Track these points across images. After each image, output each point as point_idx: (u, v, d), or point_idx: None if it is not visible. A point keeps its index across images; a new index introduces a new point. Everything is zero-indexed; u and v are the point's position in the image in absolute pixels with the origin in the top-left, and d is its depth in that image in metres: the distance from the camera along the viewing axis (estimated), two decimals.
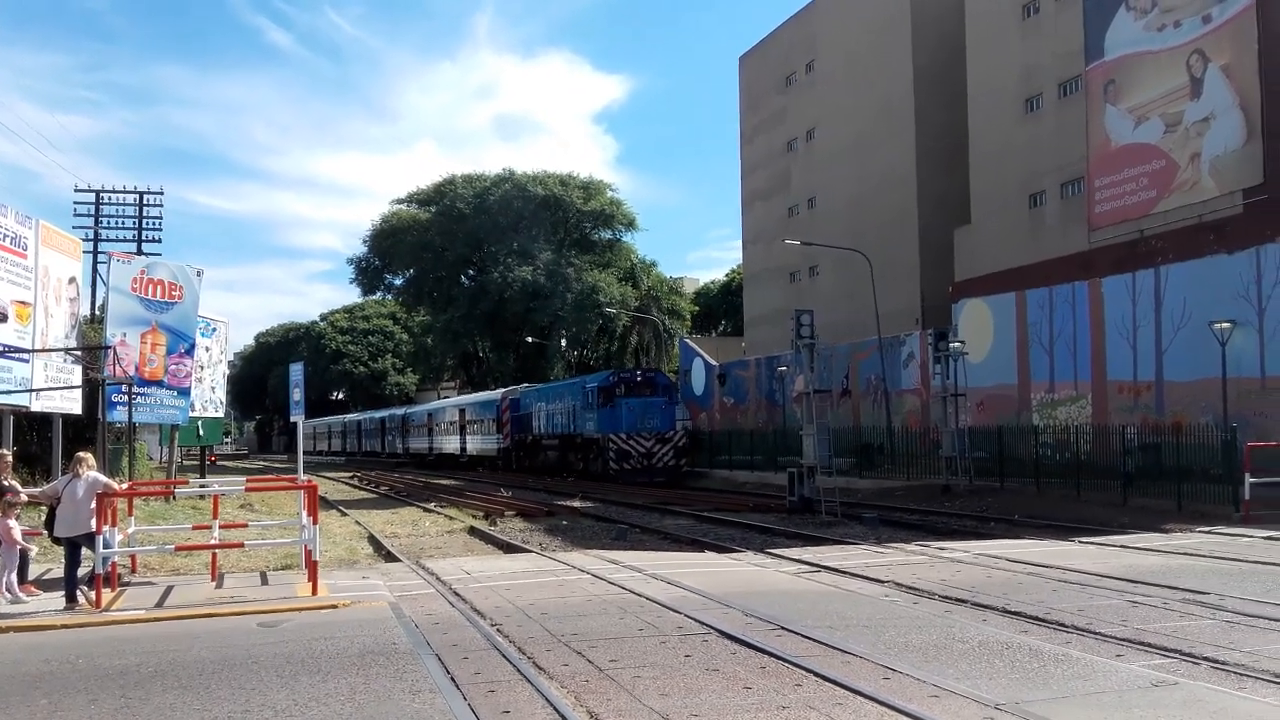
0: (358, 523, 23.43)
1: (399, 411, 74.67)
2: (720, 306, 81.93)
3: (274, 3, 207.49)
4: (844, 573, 12.92)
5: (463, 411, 57.75)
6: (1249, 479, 18.63)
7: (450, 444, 59.62)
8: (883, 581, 12.08)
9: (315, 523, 11.96)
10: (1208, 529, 17.47)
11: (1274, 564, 13.00)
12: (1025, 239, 35.89)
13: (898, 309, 41.69)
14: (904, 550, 15.62)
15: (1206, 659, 7.83)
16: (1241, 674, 7.41)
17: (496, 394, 53.76)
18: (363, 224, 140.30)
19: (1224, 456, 21.59)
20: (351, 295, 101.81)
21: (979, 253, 38.05)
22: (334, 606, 10.64)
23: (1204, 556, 13.97)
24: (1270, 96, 26.97)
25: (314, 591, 11.37)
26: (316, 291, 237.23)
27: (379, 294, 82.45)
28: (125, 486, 14.60)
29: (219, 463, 64.53)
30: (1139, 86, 30.77)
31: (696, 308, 78.76)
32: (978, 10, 38.70)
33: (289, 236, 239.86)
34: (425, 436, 64.82)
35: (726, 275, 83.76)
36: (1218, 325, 26.21)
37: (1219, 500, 20.39)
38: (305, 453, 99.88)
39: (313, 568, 11.75)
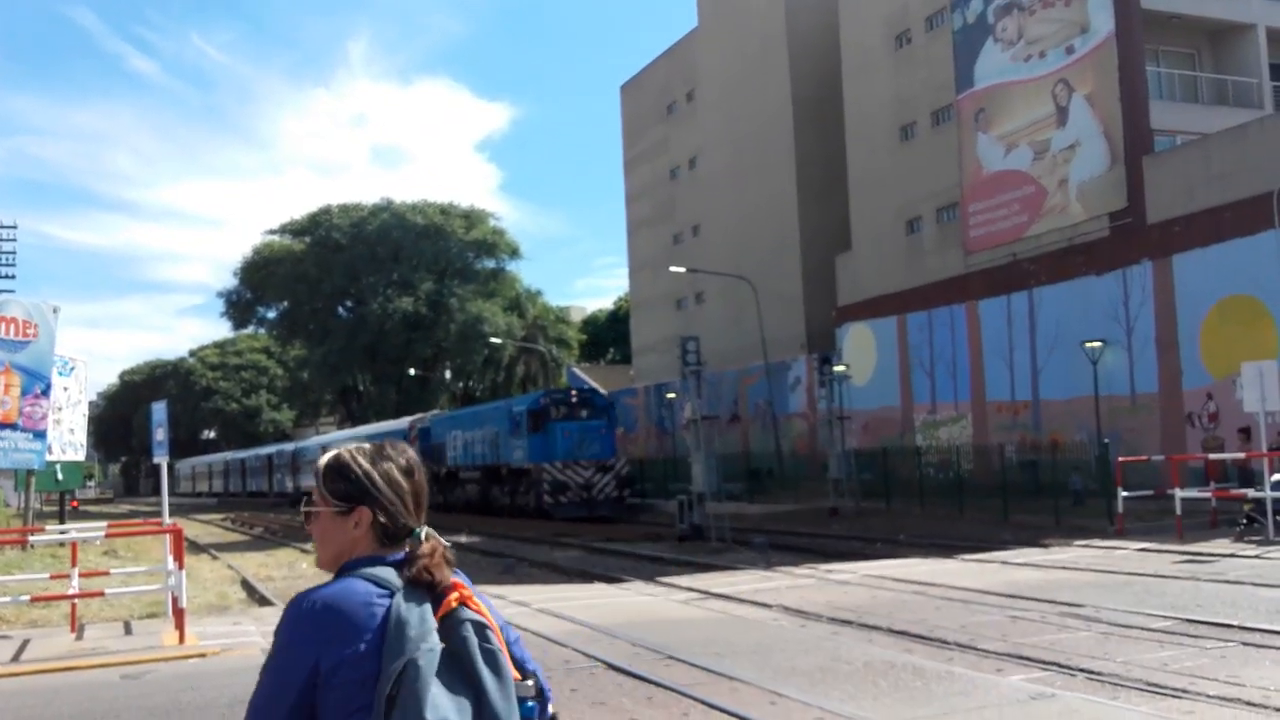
0: (230, 566, 22.53)
1: (288, 447, 69.06)
2: (608, 335, 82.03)
3: (135, 29, 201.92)
4: (733, 599, 12.86)
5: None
6: (1122, 493, 19.21)
7: None
8: (771, 606, 12.04)
9: (181, 568, 11.36)
10: (1084, 543, 17.93)
11: (1146, 575, 13.36)
12: (904, 264, 36.79)
13: (784, 334, 42.25)
14: (792, 574, 15.64)
15: (1082, 670, 7.94)
16: (1116, 684, 7.52)
17: (403, 422, 49.25)
18: (233, 256, 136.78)
19: (1098, 472, 22.27)
20: (222, 330, 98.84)
21: (860, 278, 38.87)
22: (202, 655, 10.12)
23: (1080, 570, 14.30)
24: (1131, 123, 28.19)
25: (181, 640, 10.80)
26: (185, 327, 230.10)
27: (251, 328, 79.87)
28: None
29: (81, 508, 61.68)
30: (1008, 115, 31.88)
31: (584, 336, 78.66)
32: (851, 41, 39.72)
33: (155, 270, 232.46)
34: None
35: (614, 303, 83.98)
36: (1089, 345, 27.17)
37: (1094, 515, 20.99)
38: (183, 495, 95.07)
39: (179, 615, 11.15)
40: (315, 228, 67.68)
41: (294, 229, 69.66)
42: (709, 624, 11.08)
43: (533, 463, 33.45)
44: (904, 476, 29.10)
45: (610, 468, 33.41)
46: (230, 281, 72.41)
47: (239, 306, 72.09)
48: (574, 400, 35.09)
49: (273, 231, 71.14)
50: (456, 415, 43.91)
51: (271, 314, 73.16)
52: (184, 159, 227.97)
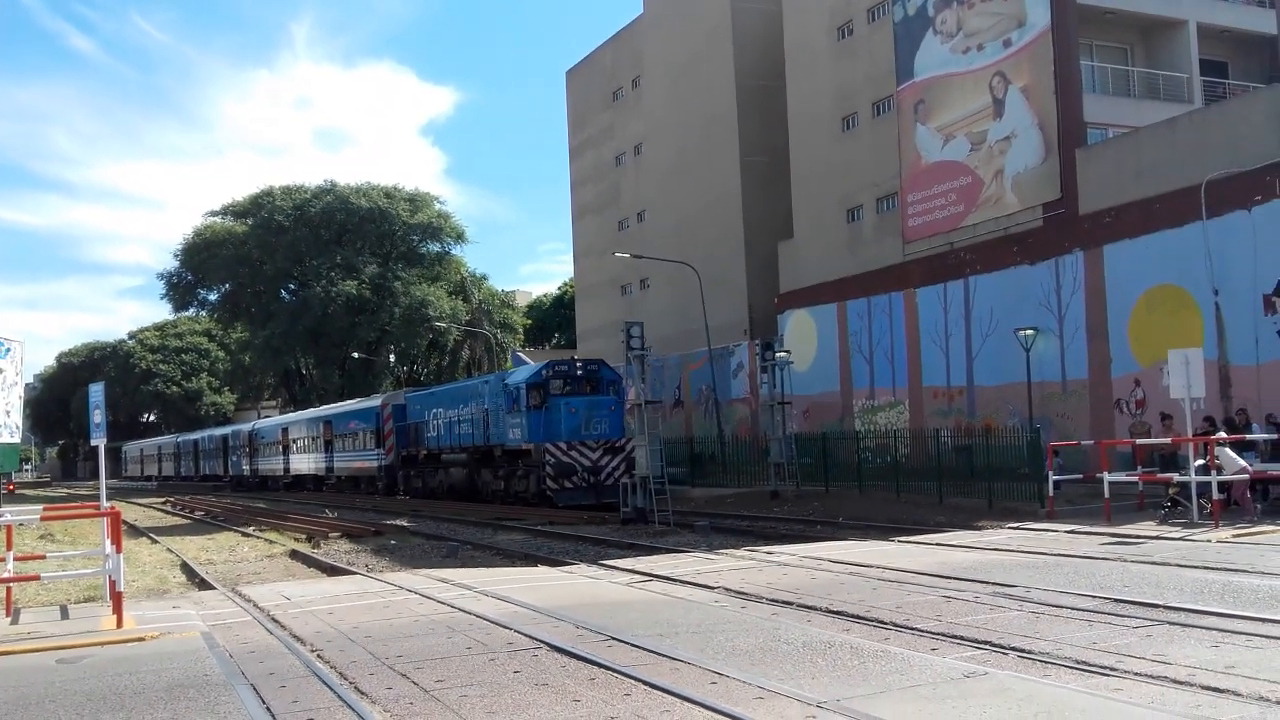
0: (170, 550, 22.24)
1: (244, 427, 65.56)
2: (553, 319, 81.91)
3: (74, 7, 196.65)
4: (675, 580, 13.00)
5: (328, 424, 48.88)
6: (1052, 477, 19.71)
7: (311, 463, 51.55)
8: (712, 588, 12.21)
9: (119, 551, 11.24)
10: (1016, 525, 18.37)
11: (1075, 556, 13.76)
12: (844, 252, 37.22)
13: (727, 320, 42.55)
14: (734, 556, 15.84)
15: (1014, 649, 8.19)
16: (1046, 661, 7.77)
17: (375, 400, 45.60)
18: (174, 238, 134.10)
19: (1030, 456, 22.82)
20: (163, 312, 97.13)
21: (802, 265, 39.24)
22: (140, 639, 10.00)
23: (1012, 551, 14.67)
24: (1065, 116, 28.78)
25: (119, 624, 10.69)
26: (125, 308, 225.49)
27: (192, 310, 78.61)
28: None
29: (18, 491, 60.36)
30: (946, 107, 32.35)
31: (529, 321, 78.48)
32: (795, 32, 39.98)
33: (94, 251, 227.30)
34: (279, 455, 56.13)
35: (559, 288, 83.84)
36: (1022, 332, 27.79)
37: (1026, 498, 21.51)
38: (131, 479, 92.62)
39: (117, 599, 11.04)
40: (257, 209, 66.79)
41: (236, 210, 68.68)
42: (652, 606, 11.20)
43: (533, 443, 29.89)
44: (843, 461, 29.55)
45: (620, 449, 29.47)
46: (171, 263, 71.36)
47: (180, 289, 70.97)
48: (579, 373, 30.87)
49: (214, 213, 70.22)
50: (437, 392, 40.21)
51: (213, 296, 72.26)
52: (124, 139, 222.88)
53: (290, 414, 61.84)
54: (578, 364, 31.46)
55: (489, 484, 33.41)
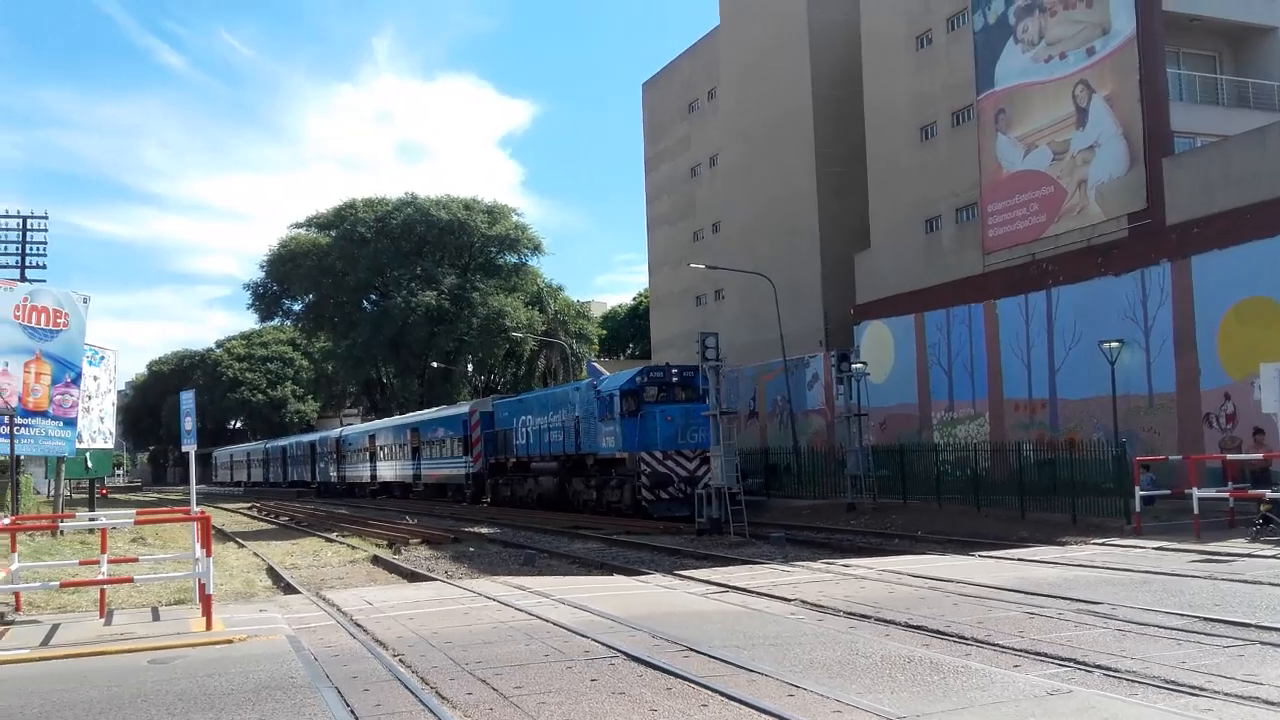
0: (256, 554, 22.79)
1: (332, 434, 66.07)
2: (628, 330, 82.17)
3: (165, 24, 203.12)
4: (751, 592, 12.98)
5: (415, 431, 48.78)
6: (1139, 492, 19.27)
7: (397, 470, 51.75)
8: (789, 600, 12.16)
9: (209, 555, 11.58)
10: (1101, 541, 18.00)
11: (1162, 573, 13.44)
12: (922, 262, 36.79)
13: (802, 331, 42.30)
14: (810, 568, 15.76)
15: (1099, 667, 8.04)
16: (1133, 681, 7.62)
17: (463, 407, 45.16)
18: (260, 249, 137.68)
19: (1115, 470, 22.30)
20: (249, 321, 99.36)
21: (878, 275, 38.88)
22: (229, 641, 10.29)
23: (1097, 568, 14.38)
24: (1151, 125, 28.14)
25: (208, 626, 11.00)
26: (213, 318, 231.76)
27: (277, 320, 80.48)
28: (8, 522, 13.97)
29: (110, 495, 62.26)
30: (1028, 116, 31.84)
31: (604, 331, 78.87)
32: (873, 40, 39.68)
33: (184, 262, 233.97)
34: (366, 462, 56.46)
35: (634, 299, 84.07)
36: (1107, 345, 27.17)
37: (1111, 513, 21.03)
38: (220, 484, 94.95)
39: (206, 602, 11.36)
40: (340, 221, 68.23)
41: (319, 223, 70.24)
42: (728, 617, 11.20)
43: (628, 451, 28.93)
44: (921, 474, 29.17)
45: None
46: (257, 274, 73.26)
47: (265, 299, 72.72)
48: (674, 379, 29.59)
49: (299, 225, 71.95)
50: (526, 399, 39.46)
51: (297, 306, 74.02)
52: (212, 153, 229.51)
53: (377, 421, 62.07)
54: (673, 370, 30.20)
55: (580, 493, 32.75)
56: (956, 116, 35.77)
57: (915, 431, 35.40)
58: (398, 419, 55.75)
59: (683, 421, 28.45)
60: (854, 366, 30.44)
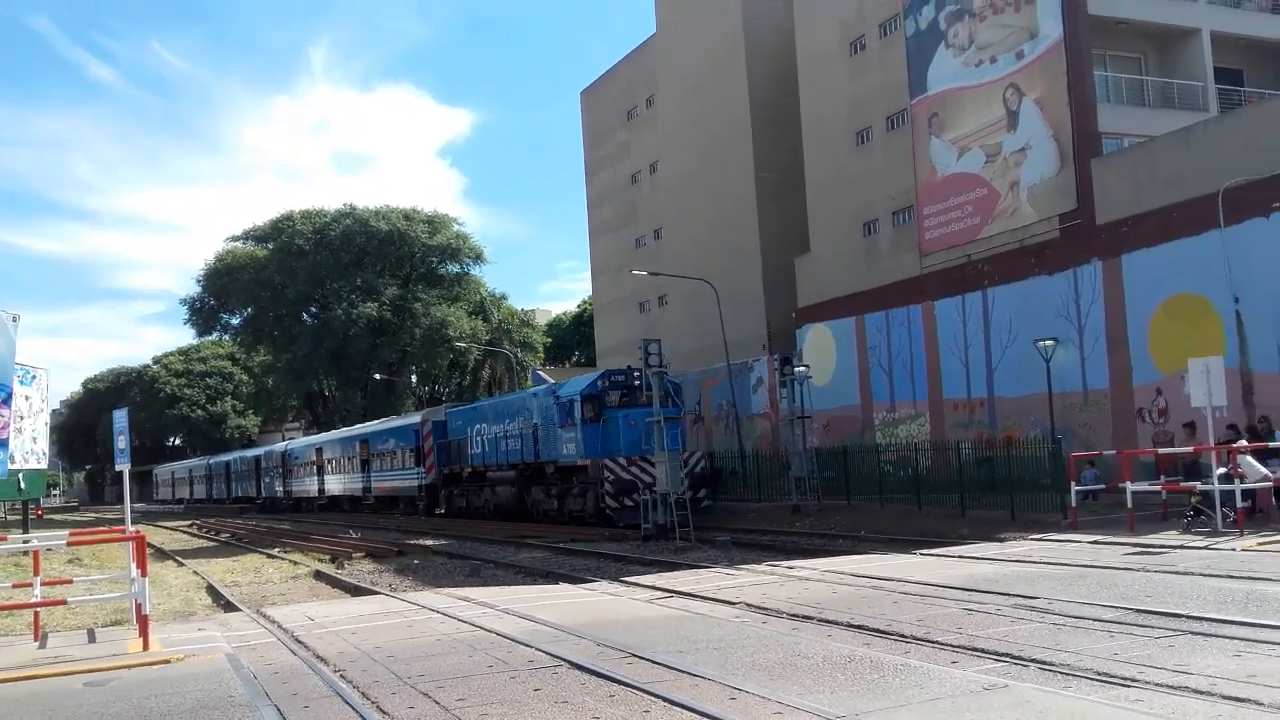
0: (196, 572, 22.43)
1: (277, 448, 64.86)
2: (573, 337, 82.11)
3: (96, 38, 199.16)
4: (696, 596, 13.04)
5: (364, 442, 47.91)
6: (1075, 487, 19.63)
7: (346, 483, 50.66)
8: (734, 603, 12.23)
9: (144, 574, 11.37)
10: (1039, 536, 18.32)
11: (1097, 567, 13.71)
12: (861, 265, 37.19)
13: (745, 335, 42.54)
14: (755, 571, 15.86)
15: (1035, 661, 8.18)
16: (1067, 674, 7.77)
17: (414, 417, 44.26)
18: (196, 263, 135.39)
19: (1052, 467, 22.71)
20: (186, 337, 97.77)
21: (819, 279, 39.23)
22: (166, 661, 10.12)
23: (1035, 563, 14.63)
24: (1079, 127, 28.72)
25: (145, 647, 10.81)
26: (149, 334, 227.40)
27: (215, 334, 79.34)
28: None
29: (46, 516, 60.74)
30: (960, 119, 32.35)
31: (549, 339, 78.72)
32: (808, 48, 40.06)
33: (118, 278, 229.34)
34: (313, 476, 55.13)
35: (578, 306, 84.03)
36: (1042, 343, 27.67)
37: (1049, 509, 21.41)
38: (161, 501, 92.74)
39: (143, 622, 11.16)
40: (278, 234, 67.55)
41: (257, 235, 69.49)
42: (673, 622, 11.24)
43: (590, 458, 28.33)
44: (864, 474, 29.47)
45: (684, 464, 27.24)
46: (193, 288, 72.21)
47: (202, 313, 71.75)
48: (636, 383, 28.50)
49: (236, 238, 71.14)
50: (480, 406, 38.59)
51: (235, 320, 73.10)
52: (145, 166, 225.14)
53: (325, 433, 60.91)
54: (635, 373, 28.82)
55: (540, 503, 31.95)
56: (891, 121, 36.24)
57: (858, 433, 35.77)
58: (346, 431, 54.81)
59: (646, 426, 27.08)
60: (796, 370, 30.71)
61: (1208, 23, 31.00)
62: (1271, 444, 18.53)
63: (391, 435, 44.88)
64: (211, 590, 18.80)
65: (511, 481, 33.74)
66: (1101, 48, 30.43)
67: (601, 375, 29.97)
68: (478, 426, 36.42)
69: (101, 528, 41.50)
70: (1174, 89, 31.08)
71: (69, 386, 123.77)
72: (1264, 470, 17.21)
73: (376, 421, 52.26)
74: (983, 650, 8.69)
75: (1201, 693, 6.96)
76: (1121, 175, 27.82)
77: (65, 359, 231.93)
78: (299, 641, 11.09)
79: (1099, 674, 7.65)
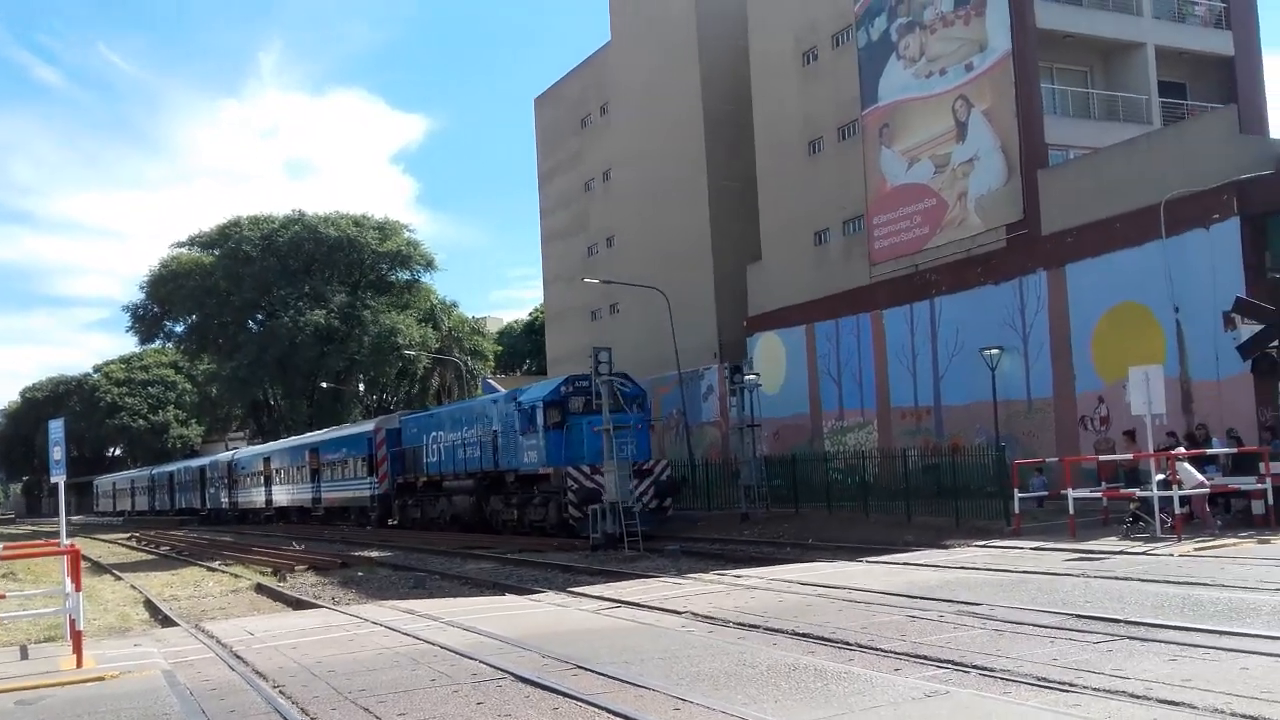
0: (133, 587, 22.02)
1: (223, 458, 63.00)
2: (524, 345, 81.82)
3: (39, 39, 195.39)
4: (644, 606, 13.00)
5: (314, 451, 46.80)
6: (1018, 494, 19.86)
7: (295, 494, 49.52)
8: (680, 613, 12.21)
9: (79, 589, 11.13)
10: (983, 543, 18.49)
11: (1039, 573, 13.86)
12: (812, 275, 37.43)
13: (697, 343, 42.62)
14: (703, 580, 15.86)
15: (976, 667, 8.24)
16: (1007, 679, 7.82)
17: (367, 425, 43.30)
18: (140, 269, 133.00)
19: (996, 474, 22.96)
20: (128, 344, 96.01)
21: (770, 288, 39.44)
22: (100, 679, 9.90)
23: (978, 569, 14.76)
24: (1026, 138, 29.15)
25: (79, 664, 10.57)
26: (90, 342, 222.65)
27: (158, 342, 78.03)
28: None
29: None
30: (910, 130, 32.70)
31: (500, 348, 78.41)
32: (761, 58, 40.33)
33: (59, 284, 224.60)
34: (261, 486, 53.92)
35: (530, 314, 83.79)
36: (987, 351, 28.02)
37: (993, 515, 21.63)
38: (102, 513, 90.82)
39: (77, 638, 10.91)
40: (224, 240, 66.69)
41: (203, 241, 68.55)
42: (619, 632, 11.19)
43: (552, 466, 27.57)
44: (813, 482, 29.61)
45: (649, 472, 27.14)
46: (136, 295, 70.91)
47: (145, 321, 70.61)
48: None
49: (181, 244, 70.10)
50: (436, 414, 37.69)
51: (179, 328, 71.97)
52: (87, 169, 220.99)
53: (273, 442, 59.59)
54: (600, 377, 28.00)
55: (500, 513, 31.15)
56: (842, 131, 36.55)
57: (807, 441, 35.95)
58: (295, 439, 53.56)
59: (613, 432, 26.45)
60: (747, 378, 30.80)
61: (1152, 37, 31.61)
62: (1209, 451, 18.89)
63: (343, 444, 43.95)
64: (149, 605, 18.46)
65: (470, 491, 32.89)
66: (1049, 61, 30.93)
67: (565, 381, 29.21)
68: (434, 434, 35.67)
69: (36, 541, 40.63)
70: (1119, 102, 31.66)
71: (6, 395, 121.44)
72: (1200, 477, 17.51)
73: (327, 430, 51.35)
74: (925, 657, 8.73)
75: (1138, 697, 7.05)
76: (1067, 186, 28.26)
77: (4, 367, 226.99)
78: (238, 657, 10.90)
79: (1038, 679, 7.72)
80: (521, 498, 29.93)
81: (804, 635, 10.13)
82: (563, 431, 27.80)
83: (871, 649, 9.24)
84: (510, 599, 15.54)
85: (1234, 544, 15.51)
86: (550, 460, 27.72)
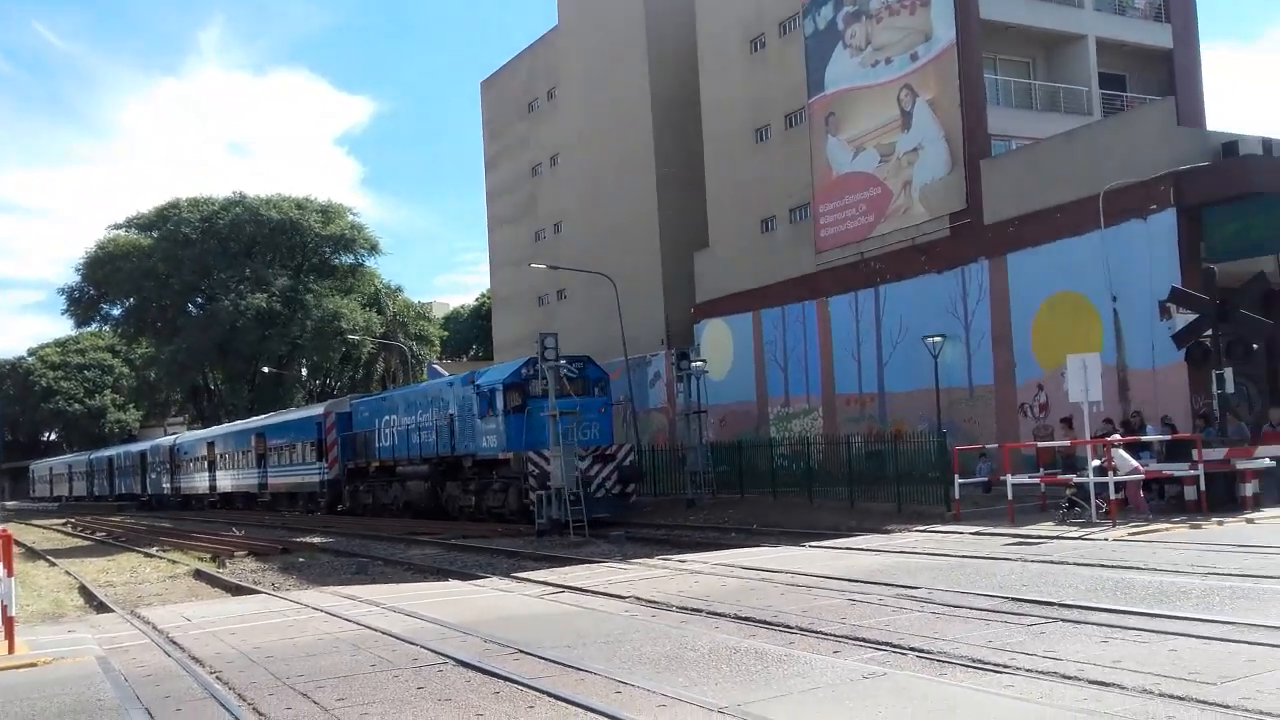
0: (68, 573, 21.60)
1: (165, 442, 61.25)
2: (471, 330, 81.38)
3: None
4: (588, 591, 13.02)
5: (261, 436, 45.73)
6: (958, 480, 20.14)
7: (240, 479, 48.38)
8: (624, 597, 12.24)
9: (11, 574, 10.89)
10: (924, 528, 18.74)
11: (978, 557, 14.08)
12: (759, 261, 37.58)
13: (645, 330, 42.63)
14: (648, 565, 15.93)
15: (913, 649, 8.35)
16: (943, 661, 7.94)
17: (316, 409, 42.07)
18: (76, 251, 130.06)
19: (938, 460, 23.25)
20: (64, 328, 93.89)
21: (718, 275, 39.54)
22: (32, 665, 9.76)
23: (919, 554, 14.96)
24: (970, 129, 29.46)
25: (10, 650, 10.37)
26: (24, 325, 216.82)
27: (95, 325, 76.37)
28: None
29: None
30: (856, 119, 32.91)
31: (446, 333, 77.88)
32: (708, 44, 40.32)
33: None
34: (204, 472, 52.66)
35: (476, 300, 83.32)
36: (930, 339, 28.33)
37: (934, 501, 21.92)
38: (38, 499, 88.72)
39: (8, 624, 10.68)
40: (163, 222, 65.45)
41: (141, 223, 67.22)
42: (562, 617, 11.20)
43: (512, 451, 26.82)
44: (759, 468, 29.78)
45: (612, 457, 26.78)
46: (72, 277, 69.32)
47: (82, 303, 69.07)
48: (564, 371, 26.84)
49: (118, 226, 68.70)
50: (390, 396, 36.57)
51: (116, 311, 70.39)
52: (20, 148, 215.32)
53: (218, 426, 58.10)
54: (561, 361, 27.09)
55: (457, 499, 30.31)
56: (789, 119, 36.68)
57: (754, 427, 36.15)
58: (241, 423, 52.35)
59: (574, 417, 26.00)
60: (693, 364, 30.85)
61: (1093, 29, 32.07)
62: (1143, 438, 19.28)
63: (291, 428, 42.98)
64: (84, 591, 18.14)
65: (425, 476, 32.03)
66: (992, 51, 31.25)
67: (526, 362, 28.08)
68: (386, 418, 34.81)
69: None
70: (1060, 93, 32.10)
71: None
72: (1134, 463, 17.88)
73: (274, 413, 50.28)
74: (864, 640, 8.84)
75: (1069, 677, 7.19)
76: (1009, 176, 28.62)
77: None
78: (174, 643, 10.77)
79: (974, 661, 7.84)
80: (480, 483, 29.18)
81: (746, 619, 10.21)
82: (524, 415, 27.03)
83: (812, 632, 9.33)
84: (454, 584, 15.49)
85: (1166, 529, 15.86)
86: (510, 445, 26.95)
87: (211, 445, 52.59)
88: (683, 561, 15.85)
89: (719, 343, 38.56)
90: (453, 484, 30.68)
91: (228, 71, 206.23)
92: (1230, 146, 24.35)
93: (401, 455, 33.62)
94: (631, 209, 44.82)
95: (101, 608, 15.49)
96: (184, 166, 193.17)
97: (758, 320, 37.04)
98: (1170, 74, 32.40)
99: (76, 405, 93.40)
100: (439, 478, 31.42)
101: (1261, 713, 6.12)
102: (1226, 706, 6.27)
